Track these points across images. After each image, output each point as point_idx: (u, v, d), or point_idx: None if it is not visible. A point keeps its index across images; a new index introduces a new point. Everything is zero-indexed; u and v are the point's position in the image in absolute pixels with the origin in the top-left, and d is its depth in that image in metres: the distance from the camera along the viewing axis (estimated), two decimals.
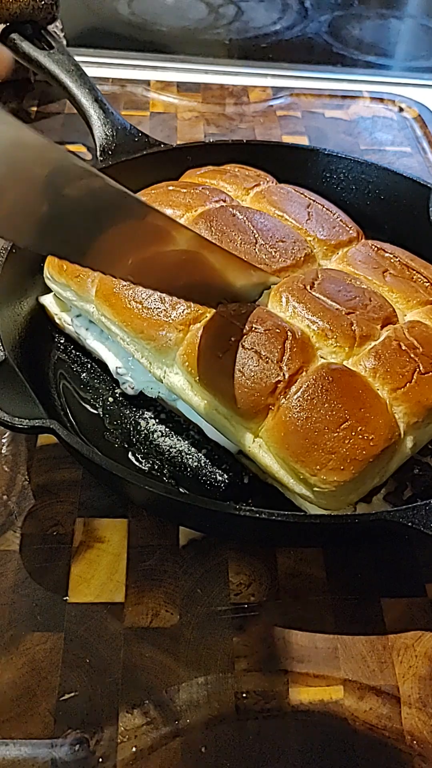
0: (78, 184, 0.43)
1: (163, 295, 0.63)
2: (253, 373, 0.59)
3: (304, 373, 0.59)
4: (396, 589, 0.60)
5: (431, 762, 0.51)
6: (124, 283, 0.64)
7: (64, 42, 1.18)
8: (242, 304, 0.64)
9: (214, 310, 0.63)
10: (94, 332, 0.72)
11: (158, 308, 0.63)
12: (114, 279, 0.65)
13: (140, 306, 0.64)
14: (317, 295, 0.65)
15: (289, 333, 0.61)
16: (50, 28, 1.03)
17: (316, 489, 0.56)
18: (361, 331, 0.63)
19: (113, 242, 0.48)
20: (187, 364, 0.61)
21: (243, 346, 0.60)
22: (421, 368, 0.61)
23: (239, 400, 0.58)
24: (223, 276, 0.61)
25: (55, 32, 1.14)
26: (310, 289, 0.66)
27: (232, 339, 0.60)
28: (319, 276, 0.68)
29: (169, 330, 0.62)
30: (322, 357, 0.62)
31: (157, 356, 0.63)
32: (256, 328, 0.61)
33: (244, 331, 0.60)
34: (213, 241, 0.70)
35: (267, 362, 0.59)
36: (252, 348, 0.59)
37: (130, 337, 0.65)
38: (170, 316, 0.63)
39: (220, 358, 0.59)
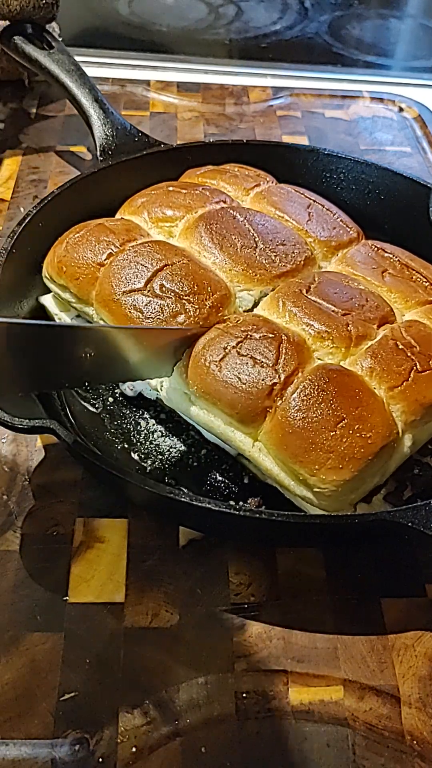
0: None
1: (164, 305, 0.63)
2: (249, 379, 0.59)
3: (299, 375, 0.59)
4: (396, 589, 0.60)
5: (431, 762, 0.51)
6: (125, 290, 0.64)
7: (60, 38, 1.17)
8: (239, 313, 0.64)
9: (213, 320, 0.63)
10: None
11: (157, 317, 0.63)
12: (114, 285, 0.65)
13: (140, 314, 0.63)
14: (313, 298, 0.65)
15: (283, 337, 0.61)
16: (47, 27, 1.03)
17: (316, 489, 0.56)
18: (357, 332, 0.63)
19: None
20: (185, 375, 0.61)
21: (239, 353, 0.60)
22: (418, 366, 0.61)
23: (237, 406, 0.59)
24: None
25: (53, 32, 1.15)
26: (307, 292, 0.66)
27: (229, 347, 0.60)
28: (316, 279, 0.68)
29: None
30: (318, 359, 0.62)
31: None
32: (251, 335, 0.61)
33: (240, 339, 0.61)
34: (213, 245, 0.70)
35: (262, 366, 0.59)
36: (247, 354, 0.60)
37: None
38: (170, 325, 0.63)
39: (218, 367, 0.60)
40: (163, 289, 0.64)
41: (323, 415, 0.56)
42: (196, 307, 0.63)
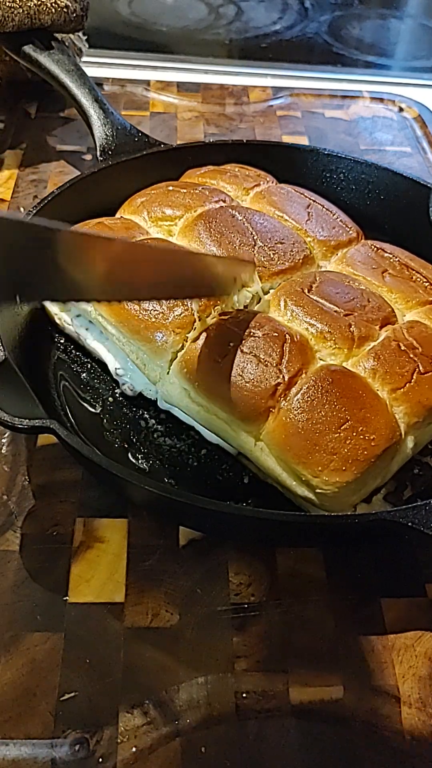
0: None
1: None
2: (252, 377, 0.59)
3: (303, 375, 0.59)
4: (396, 589, 0.59)
5: (431, 762, 0.51)
6: None
7: (86, 45, 1.19)
8: (241, 311, 0.64)
9: (212, 314, 0.63)
10: (94, 332, 0.72)
11: (155, 310, 0.63)
12: None
13: (137, 308, 0.64)
14: (315, 298, 0.65)
15: (287, 336, 0.61)
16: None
17: (318, 491, 0.56)
18: (359, 333, 0.63)
19: (61, 271, 0.45)
20: (185, 371, 0.61)
21: (242, 351, 0.60)
22: (420, 368, 0.61)
23: (239, 405, 0.58)
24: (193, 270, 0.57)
25: (81, 40, 1.16)
26: (308, 292, 0.66)
27: (231, 344, 0.60)
28: (317, 279, 0.68)
29: (166, 332, 0.62)
30: (321, 359, 0.62)
31: (152, 358, 0.63)
32: (254, 333, 0.61)
33: (243, 336, 0.61)
34: (212, 242, 0.70)
35: (266, 365, 0.59)
36: (251, 352, 0.60)
37: (126, 338, 0.65)
38: (167, 319, 0.63)
39: (219, 364, 0.59)
40: None
41: (327, 417, 0.56)
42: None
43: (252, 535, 0.61)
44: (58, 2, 0.98)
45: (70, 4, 0.99)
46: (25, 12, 0.95)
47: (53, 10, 0.98)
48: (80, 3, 1.02)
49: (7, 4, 0.94)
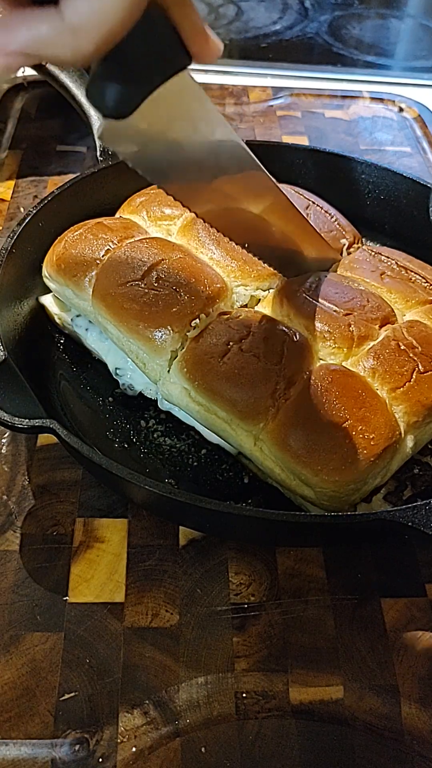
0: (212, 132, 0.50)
1: (159, 295, 0.63)
2: (252, 376, 0.59)
3: (303, 375, 0.59)
4: (396, 589, 0.59)
5: (431, 762, 0.51)
6: (121, 283, 0.64)
7: None
8: (241, 310, 0.64)
9: (210, 312, 0.63)
10: (94, 332, 0.72)
11: (154, 309, 0.63)
12: (111, 279, 0.65)
13: (136, 307, 0.63)
14: (315, 298, 0.65)
15: (287, 336, 0.61)
16: None
17: (318, 490, 0.56)
18: (359, 332, 0.63)
19: (227, 194, 0.55)
20: (185, 370, 0.61)
21: (242, 350, 0.60)
22: (420, 367, 0.61)
23: (239, 404, 0.58)
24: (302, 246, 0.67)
25: None
26: (308, 292, 0.66)
27: (231, 344, 0.60)
28: (317, 279, 0.68)
29: (164, 331, 0.62)
30: (321, 359, 0.62)
31: (151, 356, 0.63)
32: (254, 333, 0.61)
33: (243, 335, 0.61)
34: (210, 241, 0.70)
35: (266, 365, 0.59)
36: (250, 351, 0.60)
37: (126, 337, 0.65)
38: (166, 317, 0.63)
39: (219, 363, 0.59)
40: (159, 281, 0.64)
41: (326, 417, 0.56)
42: (192, 297, 0.63)
43: (252, 535, 0.61)
44: None
45: None
46: None
47: None
48: None
49: None
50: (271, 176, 0.59)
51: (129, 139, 0.47)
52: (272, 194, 0.60)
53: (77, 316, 0.73)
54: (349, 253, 0.77)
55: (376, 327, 0.64)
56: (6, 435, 0.68)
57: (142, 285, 0.64)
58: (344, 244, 0.77)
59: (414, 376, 0.61)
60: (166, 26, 0.41)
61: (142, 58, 0.41)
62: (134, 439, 0.67)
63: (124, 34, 0.37)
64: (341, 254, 0.77)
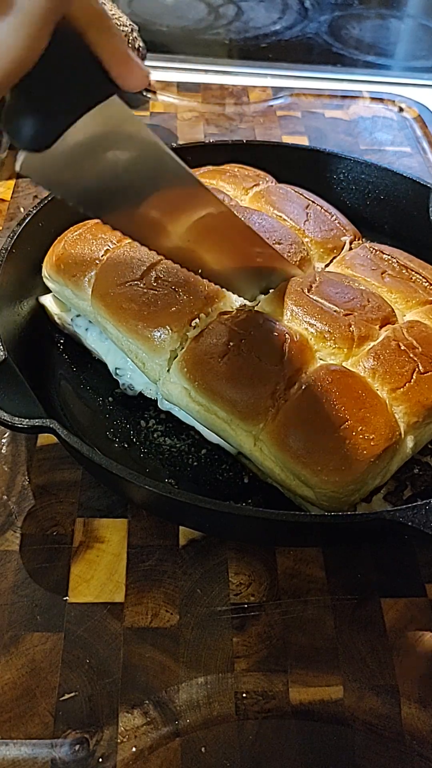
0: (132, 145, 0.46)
1: (158, 295, 0.63)
2: (252, 377, 0.59)
3: (303, 375, 0.59)
4: (396, 589, 0.59)
5: (431, 762, 0.51)
6: (120, 283, 0.64)
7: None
8: (240, 310, 0.64)
9: (210, 312, 0.63)
10: (94, 332, 0.72)
11: (153, 309, 0.63)
12: (110, 279, 0.65)
13: (135, 306, 0.63)
14: (315, 298, 0.65)
15: (287, 336, 0.61)
16: None
17: (317, 490, 0.56)
18: (359, 332, 0.63)
19: (160, 211, 0.51)
20: (185, 370, 0.61)
21: (242, 351, 0.60)
22: (420, 368, 0.61)
23: (239, 404, 0.58)
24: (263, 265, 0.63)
25: None
26: (308, 292, 0.66)
27: (231, 344, 0.60)
28: (317, 279, 0.68)
29: (163, 330, 0.62)
30: (321, 359, 0.62)
31: (150, 356, 0.63)
32: (254, 333, 0.61)
33: (243, 335, 0.61)
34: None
35: (266, 365, 0.59)
36: (251, 352, 0.60)
37: (125, 337, 0.65)
38: (165, 317, 0.63)
39: (219, 363, 0.59)
40: (158, 281, 0.64)
41: (326, 417, 0.56)
42: (191, 297, 0.63)
43: (252, 535, 0.61)
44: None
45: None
46: None
47: None
48: (140, 52, 1.06)
49: None
50: (213, 194, 0.55)
51: (52, 170, 0.43)
52: (215, 209, 0.56)
53: (77, 316, 0.73)
54: (350, 249, 0.77)
55: (377, 327, 0.64)
56: (6, 435, 0.68)
57: (141, 285, 0.64)
58: (345, 242, 0.77)
59: (414, 377, 0.61)
60: (84, 53, 0.38)
61: (58, 87, 0.39)
62: (134, 439, 0.67)
63: (32, 63, 0.35)
64: (343, 249, 0.76)
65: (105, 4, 1.03)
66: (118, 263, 0.66)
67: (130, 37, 1.06)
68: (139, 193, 0.49)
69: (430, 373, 0.61)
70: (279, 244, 0.72)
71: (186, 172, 0.51)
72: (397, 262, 0.74)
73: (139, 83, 0.41)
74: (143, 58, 1.12)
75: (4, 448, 0.67)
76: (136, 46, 1.08)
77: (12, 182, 1.01)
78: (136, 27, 1.10)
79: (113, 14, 1.04)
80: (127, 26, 1.06)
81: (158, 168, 0.49)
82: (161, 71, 1.33)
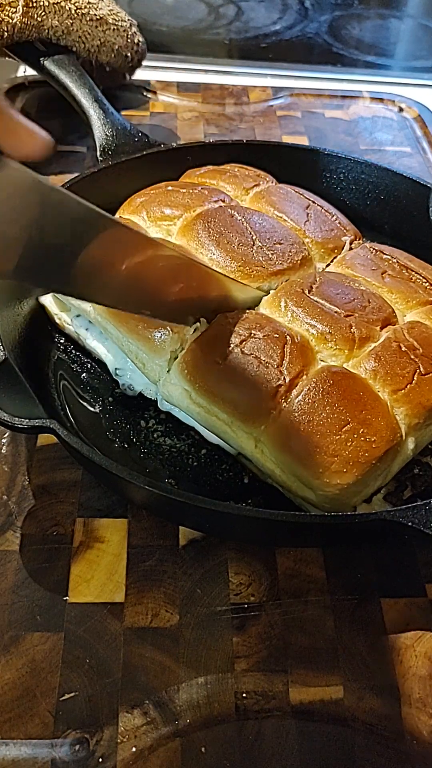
0: (51, 205, 0.43)
1: None
2: (253, 378, 0.59)
3: (304, 377, 0.59)
4: (396, 589, 0.59)
5: (431, 762, 0.51)
6: None
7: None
8: (241, 311, 0.64)
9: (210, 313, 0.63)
10: (94, 332, 0.72)
11: None
12: None
13: None
14: (316, 298, 0.65)
15: (288, 337, 0.61)
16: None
17: (319, 492, 0.56)
18: (360, 333, 0.63)
19: (94, 263, 0.48)
20: (186, 371, 0.61)
21: (243, 352, 0.60)
22: (421, 369, 0.61)
23: (240, 406, 0.58)
24: (208, 290, 0.62)
25: None
26: (309, 293, 0.66)
27: (232, 345, 0.60)
28: (318, 279, 0.68)
29: (164, 331, 0.62)
30: (322, 360, 0.62)
31: (151, 357, 0.63)
32: (255, 334, 0.61)
33: (244, 337, 0.61)
34: (210, 242, 0.70)
35: (267, 367, 0.59)
36: (252, 353, 0.60)
37: (125, 337, 0.65)
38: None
39: (220, 365, 0.59)
40: None
41: (328, 419, 0.56)
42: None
43: (252, 535, 0.61)
44: (122, 49, 1.03)
45: (130, 55, 1.03)
46: (86, 48, 0.97)
47: (113, 55, 1.01)
48: (139, 54, 1.08)
49: (78, 36, 0.98)
50: (138, 232, 0.52)
51: None
52: (147, 248, 0.54)
53: (77, 316, 0.73)
54: (351, 249, 0.77)
55: (377, 328, 0.64)
56: (6, 435, 0.68)
57: None
58: (346, 242, 0.77)
59: (415, 378, 0.61)
60: None
61: None
62: (134, 440, 0.67)
63: None
64: (344, 249, 0.77)
65: (102, 0, 1.03)
66: None
67: (129, 33, 1.05)
68: (65, 251, 0.46)
69: (430, 375, 0.61)
70: (279, 244, 0.72)
71: (106, 218, 0.48)
72: (398, 262, 0.74)
73: (38, 153, 0.39)
74: (143, 55, 1.10)
75: (4, 448, 0.67)
76: (136, 41, 1.07)
77: None
78: (135, 22, 1.10)
79: (111, 10, 1.03)
80: (125, 21, 1.05)
81: (78, 221, 0.46)
82: (161, 71, 1.33)
